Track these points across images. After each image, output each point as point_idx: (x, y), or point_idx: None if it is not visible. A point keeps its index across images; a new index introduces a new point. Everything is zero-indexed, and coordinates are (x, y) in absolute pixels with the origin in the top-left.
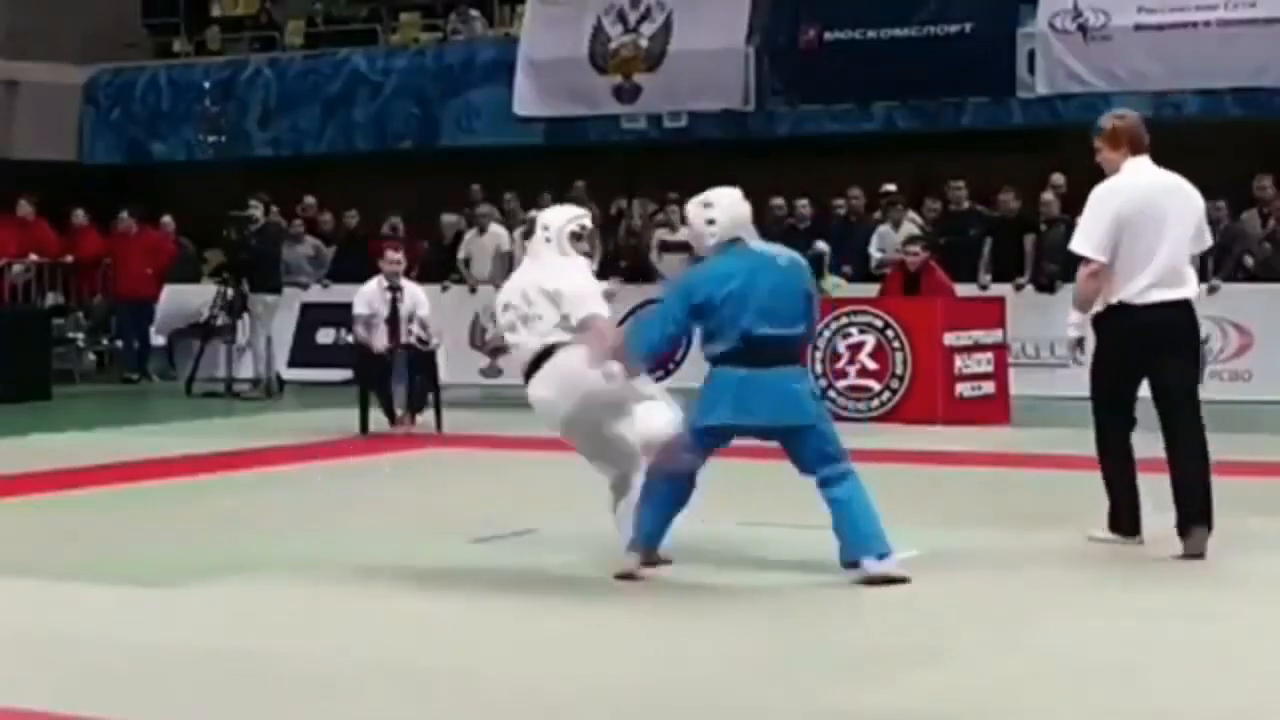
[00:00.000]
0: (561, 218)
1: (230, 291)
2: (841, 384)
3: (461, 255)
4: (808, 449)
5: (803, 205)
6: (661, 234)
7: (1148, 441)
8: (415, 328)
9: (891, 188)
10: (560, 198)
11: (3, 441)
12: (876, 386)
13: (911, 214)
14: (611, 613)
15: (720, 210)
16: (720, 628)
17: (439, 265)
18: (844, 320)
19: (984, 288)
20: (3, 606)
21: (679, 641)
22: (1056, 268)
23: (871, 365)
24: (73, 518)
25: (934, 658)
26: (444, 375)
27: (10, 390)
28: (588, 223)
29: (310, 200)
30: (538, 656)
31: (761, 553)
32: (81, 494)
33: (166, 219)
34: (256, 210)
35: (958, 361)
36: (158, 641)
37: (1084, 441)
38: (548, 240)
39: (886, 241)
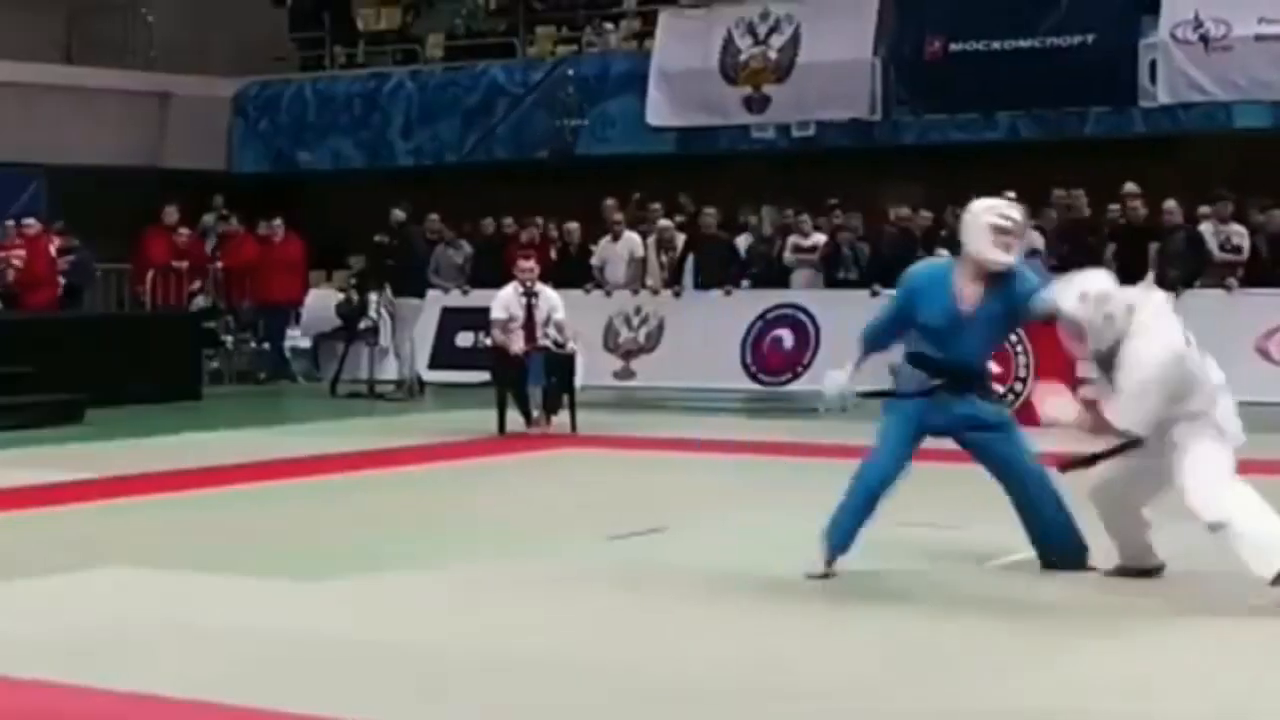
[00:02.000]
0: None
1: (357, 296)
2: None
3: (595, 262)
4: None
5: (925, 216)
6: (794, 240)
7: None
8: (551, 330)
9: (1011, 195)
10: (696, 204)
11: (156, 440)
12: (1000, 389)
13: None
14: (740, 606)
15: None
16: (863, 627)
17: (569, 271)
18: None
19: None
20: (152, 596)
21: (812, 637)
22: (1177, 273)
23: (995, 368)
24: (225, 512)
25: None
26: (581, 378)
27: (162, 390)
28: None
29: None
30: (665, 648)
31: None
32: (231, 490)
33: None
34: (401, 216)
35: (1080, 368)
36: (307, 634)
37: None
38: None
39: None
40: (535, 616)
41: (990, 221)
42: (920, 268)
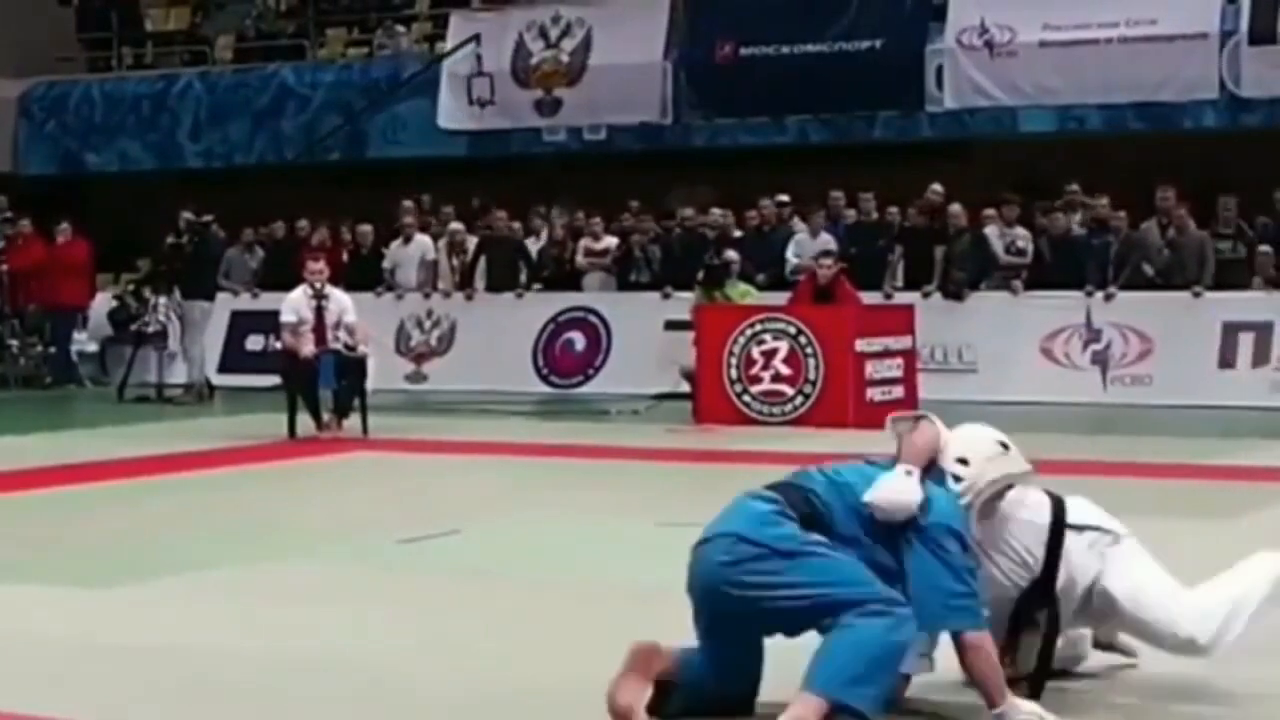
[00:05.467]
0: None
1: (134, 302)
2: (756, 389)
3: (387, 265)
4: None
5: (717, 215)
6: (586, 243)
7: None
8: (342, 333)
9: (785, 198)
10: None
11: None
12: (790, 391)
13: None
14: (539, 608)
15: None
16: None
17: (360, 274)
18: (758, 327)
19: (888, 296)
20: None
21: (602, 640)
22: (964, 275)
23: (785, 370)
24: (9, 519)
25: None
26: (372, 381)
27: None
28: None
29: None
30: (461, 654)
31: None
32: (17, 496)
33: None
34: (207, 218)
35: (868, 367)
36: (91, 640)
37: None
38: None
39: (804, 248)
40: (319, 619)
41: None
42: None
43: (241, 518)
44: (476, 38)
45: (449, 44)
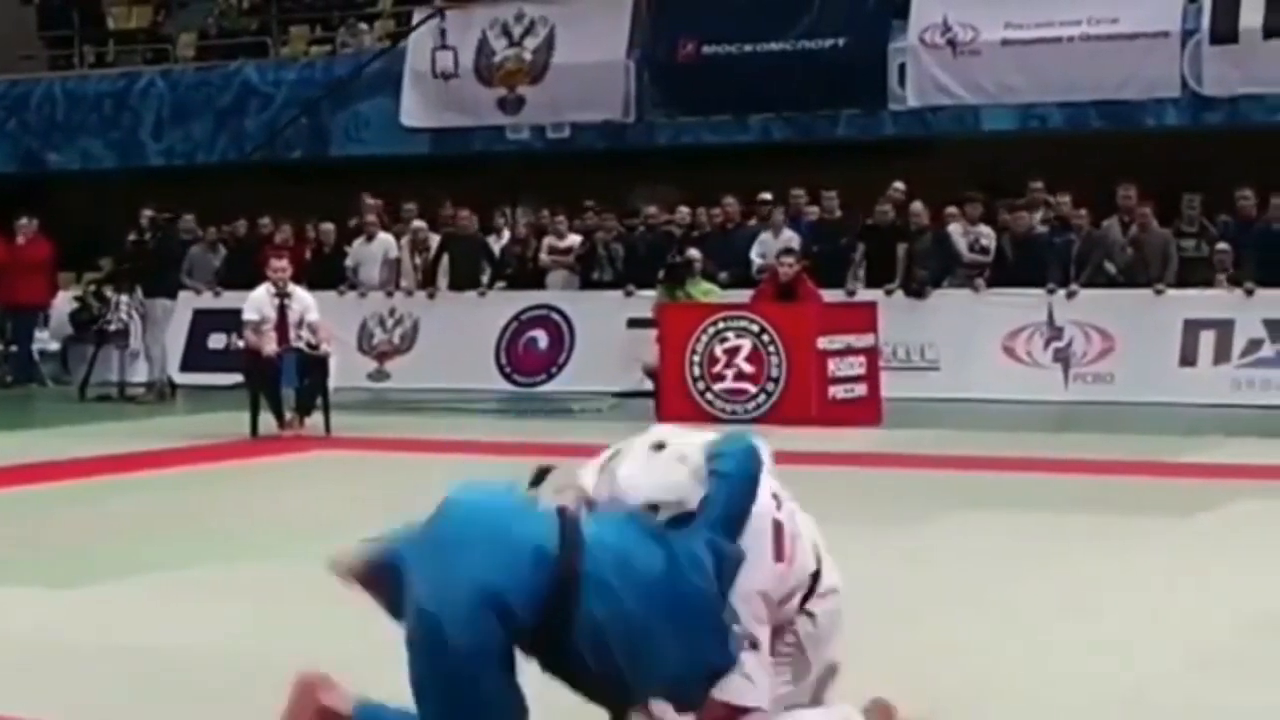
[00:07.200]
0: None
1: (96, 303)
2: (719, 386)
3: (349, 263)
4: None
5: (681, 214)
6: (550, 241)
7: None
8: (305, 332)
9: (767, 196)
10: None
11: None
12: (752, 389)
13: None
14: None
15: None
16: None
17: (323, 272)
18: (721, 325)
19: (850, 294)
20: None
21: None
22: (926, 274)
23: (748, 368)
24: None
25: None
26: (335, 379)
27: None
28: None
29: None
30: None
31: None
32: None
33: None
34: (165, 215)
35: (831, 365)
36: (55, 640)
37: (952, 442)
38: None
39: (768, 247)
40: (284, 618)
41: None
42: None
43: (204, 517)
44: (440, 13)
45: (411, 42)
